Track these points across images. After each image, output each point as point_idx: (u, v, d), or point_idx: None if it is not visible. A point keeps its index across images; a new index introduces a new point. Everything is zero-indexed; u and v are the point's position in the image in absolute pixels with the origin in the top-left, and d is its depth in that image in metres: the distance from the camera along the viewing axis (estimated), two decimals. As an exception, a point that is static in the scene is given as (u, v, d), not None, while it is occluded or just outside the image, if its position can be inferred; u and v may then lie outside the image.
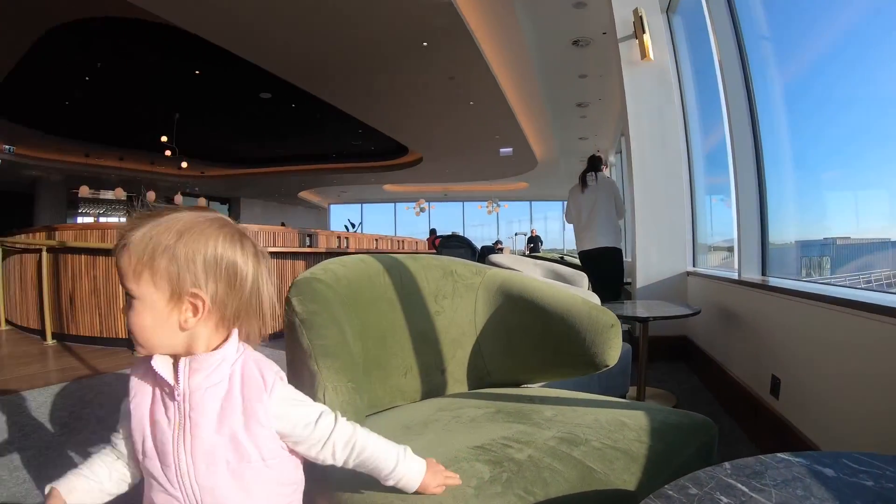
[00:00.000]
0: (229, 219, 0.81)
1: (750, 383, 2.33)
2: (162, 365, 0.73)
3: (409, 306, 1.42)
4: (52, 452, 2.27)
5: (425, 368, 1.40)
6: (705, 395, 2.96)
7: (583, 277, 3.90)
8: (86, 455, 2.19)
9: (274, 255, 4.74)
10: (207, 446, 0.72)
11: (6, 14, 5.76)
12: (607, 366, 1.27)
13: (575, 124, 9.71)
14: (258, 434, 0.73)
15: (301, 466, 0.83)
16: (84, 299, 4.46)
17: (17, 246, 4.92)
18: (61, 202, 14.99)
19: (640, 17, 3.67)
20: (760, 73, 2.63)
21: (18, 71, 7.60)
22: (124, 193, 13.48)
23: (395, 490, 0.80)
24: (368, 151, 14.16)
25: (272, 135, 12.68)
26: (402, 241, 9.40)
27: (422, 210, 18.72)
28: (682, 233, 3.83)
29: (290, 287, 1.17)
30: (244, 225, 0.95)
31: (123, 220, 12.70)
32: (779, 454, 0.70)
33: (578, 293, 1.95)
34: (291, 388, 0.79)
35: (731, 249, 3.23)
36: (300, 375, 0.99)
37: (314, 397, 0.88)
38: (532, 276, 2.94)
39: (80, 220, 15.81)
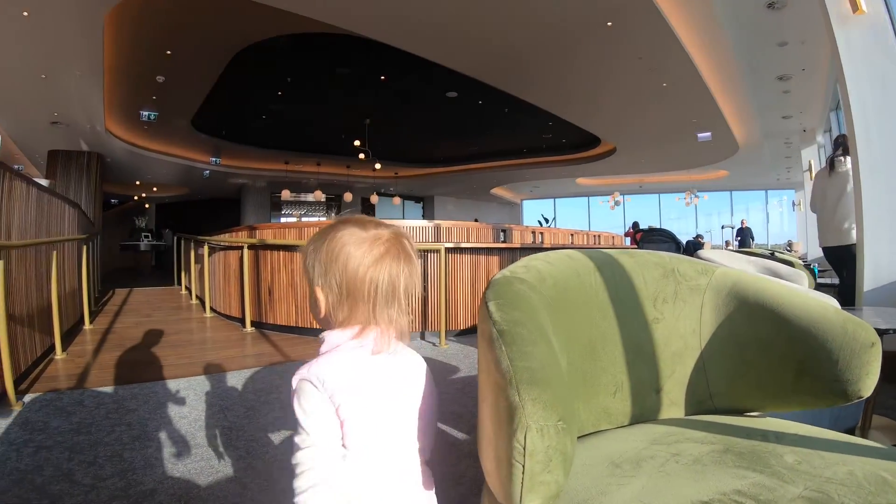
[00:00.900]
0: (363, 229, 0.89)
1: None
2: None
3: (624, 312, 1.26)
4: (234, 434, 2.56)
5: (638, 387, 1.23)
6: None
7: (802, 278, 3.26)
8: (264, 440, 2.41)
9: (467, 250, 4.88)
10: None
11: (199, 42, 6.88)
12: (860, 397, 1.02)
13: (777, 101, 8.76)
14: None
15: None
16: (282, 291, 5.11)
17: (222, 244, 5.75)
18: (265, 205, 17.64)
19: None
20: None
21: (215, 92, 9.06)
22: (323, 196, 15.32)
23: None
24: (559, 145, 14.06)
25: (461, 133, 13.29)
26: (599, 237, 9.05)
27: (616, 203, 17.90)
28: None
29: (486, 287, 1.07)
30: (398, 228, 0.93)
31: (323, 219, 14.60)
32: None
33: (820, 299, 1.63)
34: (299, 401, 0.79)
35: None
36: (495, 403, 0.81)
37: (512, 436, 0.72)
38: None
39: (283, 220, 18.39)
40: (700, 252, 2.97)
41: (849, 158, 3.88)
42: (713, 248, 14.35)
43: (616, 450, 0.99)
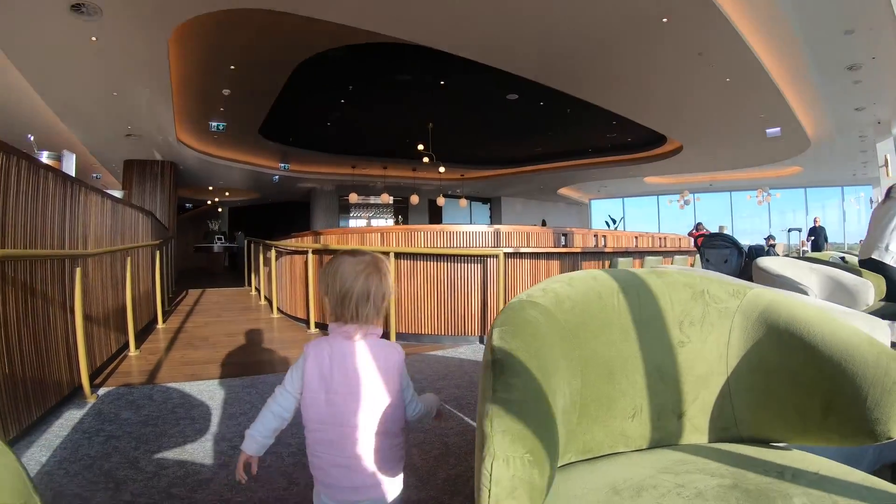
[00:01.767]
0: (353, 256, 1.26)
1: None
2: None
3: (647, 334, 1.25)
4: (288, 431, 2.64)
5: (659, 411, 1.21)
6: None
7: (868, 289, 3.05)
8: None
9: (528, 255, 4.89)
10: None
11: (260, 57, 7.20)
12: (889, 438, 0.96)
13: (848, 92, 8.23)
14: None
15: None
16: None
17: (289, 248, 6.01)
18: (334, 208, 18.25)
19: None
20: None
21: (280, 102, 9.44)
22: (389, 198, 15.69)
23: None
24: (625, 143, 13.79)
25: (525, 134, 13.30)
26: (664, 238, 8.76)
27: (686, 203, 17.24)
28: None
29: (499, 313, 1.12)
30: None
31: (391, 222, 14.98)
32: None
33: (865, 324, 1.59)
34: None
35: None
36: (477, 428, 0.87)
37: (482, 462, 0.78)
38: (806, 286, 2.38)
39: (351, 222, 18.97)
40: (759, 260, 2.82)
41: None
42: (786, 250, 13.40)
43: (622, 476, 0.99)
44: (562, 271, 5.36)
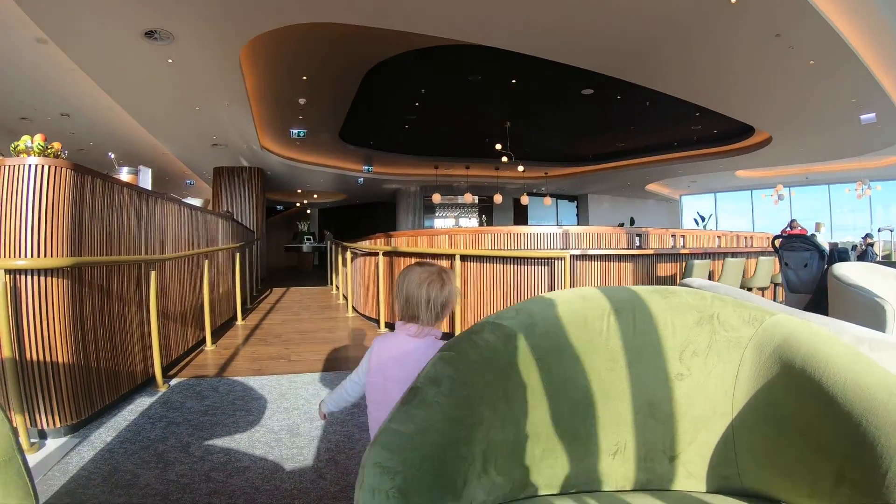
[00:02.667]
0: (420, 267, 1.50)
1: None
2: None
3: (639, 363, 1.13)
4: (331, 428, 2.79)
5: (647, 450, 1.10)
6: None
7: None
8: (357, 436, 2.61)
9: (596, 257, 4.75)
10: None
11: (330, 65, 7.40)
12: None
13: None
14: None
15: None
16: None
17: (362, 250, 6.20)
18: (419, 208, 18.61)
19: None
20: None
21: (355, 107, 9.68)
22: (472, 198, 15.78)
23: None
24: (711, 136, 12.98)
25: (604, 130, 12.90)
26: (751, 238, 8.10)
27: (780, 198, 15.87)
28: None
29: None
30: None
31: (475, 221, 15.08)
32: None
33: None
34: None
35: None
36: None
37: (357, 488, 0.80)
38: (886, 299, 2.09)
39: (436, 222, 19.23)
40: (835, 268, 2.52)
41: None
42: (886, 249, 11.79)
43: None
44: (634, 274, 5.18)
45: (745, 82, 7.69)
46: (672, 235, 6.40)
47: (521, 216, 19.52)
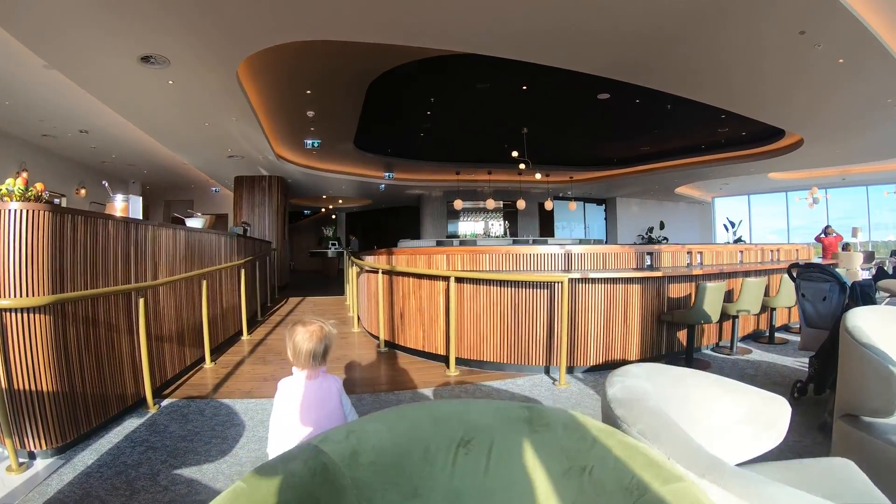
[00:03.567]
0: (323, 328, 1.98)
1: None
2: None
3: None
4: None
5: None
6: None
7: None
8: None
9: (599, 280, 4.74)
10: None
11: (332, 79, 7.56)
12: None
13: None
14: None
15: None
16: (411, 316, 5.46)
17: (366, 267, 6.34)
18: (442, 213, 18.80)
19: None
20: None
21: (365, 118, 9.82)
22: (494, 203, 15.88)
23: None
24: (739, 138, 12.67)
25: (627, 134, 12.78)
26: (777, 251, 7.61)
27: (815, 201, 15.36)
28: None
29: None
30: None
31: (499, 224, 15.08)
32: None
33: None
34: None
35: None
36: None
37: None
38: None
39: (461, 226, 19.36)
40: (850, 317, 2.17)
41: None
42: None
43: None
44: (643, 297, 5.04)
45: (769, 84, 7.45)
46: (688, 252, 6.13)
47: (546, 221, 19.46)
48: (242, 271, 6.50)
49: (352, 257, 8.11)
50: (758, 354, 5.45)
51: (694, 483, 0.89)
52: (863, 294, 3.74)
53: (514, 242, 14.74)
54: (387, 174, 14.84)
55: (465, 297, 4.97)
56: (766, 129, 10.92)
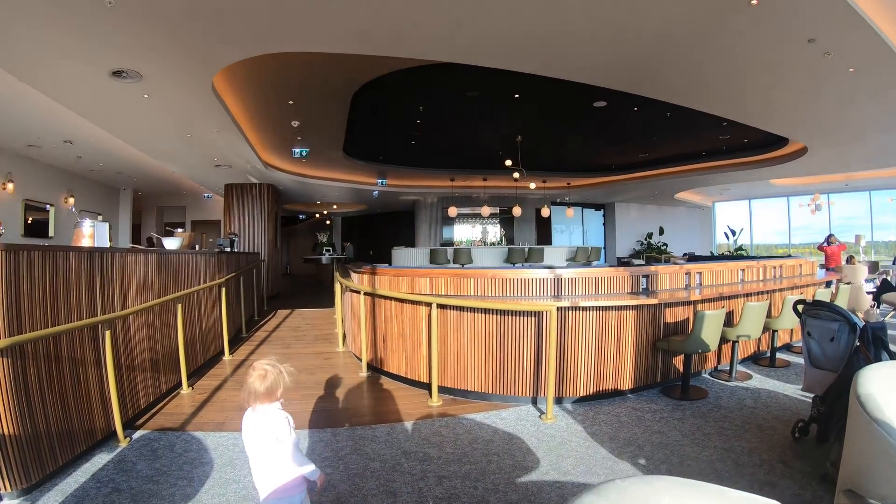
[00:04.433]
0: (271, 369, 2.15)
1: None
2: None
3: None
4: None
5: None
6: None
7: None
8: None
9: (590, 308, 4.57)
10: None
11: (314, 90, 7.51)
12: None
13: None
14: None
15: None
16: (393, 341, 5.38)
17: (351, 287, 6.25)
18: (437, 219, 18.79)
19: None
20: None
21: (353, 127, 9.78)
22: (489, 211, 15.84)
23: None
24: (741, 146, 12.64)
25: (625, 141, 12.75)
26: (780, 267, 7.43)
27: (817, 208, 15.35)
28: None
29: None
30: None
31: (497, 229, 15.10)
32: None
33: None
34: None
35: None
36: None
37: None
38: None
39: (456, 231, 19.31)
40: (862, 380, 1.88)
41: None
42: None
43: None
44: (637, 323, 4.86)
45: (775, 92, 7.32)
46: (686, 273, 5.91)
47: (543, 227, 19.43)
48: (223, 290, 6.43)
49: (338, 272, 8.02)
50: (758, 380, 5.34)
51: None
52: (874, 338, 3.38)
53: (510, 250, 14.67)
54: (380, 181, 14.81)
55: (448, 323, 4.82)
56: (769, 137, 10.87)
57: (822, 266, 12.23)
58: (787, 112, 8.34)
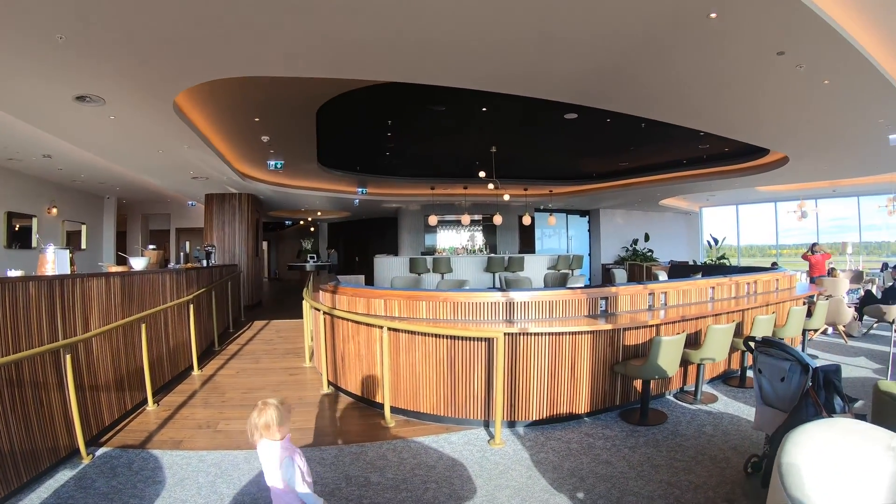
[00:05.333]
0: (266, 407, 2.52)
1: None
2: None
3: None
4: None
5: None
6: None
7: None
8: None
9: (541, 334, 4.71)
10: None
11: (278, 107, 7.70)
12: None
13: None
14: None
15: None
16: (350, 360, 5.63)
17: (314, 305, 6.46)
18: (420, 227, 19.08)
19: None
20: None
21: (323, 141, 10.02)
22: (468, 219, 16.12)
23: None
24: (722, 154, 12.90)
25: (604, 150, 13.04)
26: (755, 283, 7.36)
27: (804, 215, 15.69)
28: None
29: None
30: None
31: (480, 235, 15.26)
32: None
33: None
34: None
35: None
36: None
37: None
38: None
39: (438, 239, 19.56)
40: (787, 448, 1.82)
41: None
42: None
43: None
44: (593, 347, 4.82)
45: (747, 105, 7.38)
46: (650, 294, 5.81)
47: (527, 234, 19.73)
48: (192, 307, 6.71)
49: (308, 287, 8.24)
50: (723, 403, 5.33)
51: None
52: (826, 382, 3.37)
53: (490, 259, 14.99)
54: (360, 189, 15.08)
55: (401, 346, 4.97)
56: (749, 146, 11.06)
57: (806, 273, 12.46)
58: (765, 124, 8.42)
